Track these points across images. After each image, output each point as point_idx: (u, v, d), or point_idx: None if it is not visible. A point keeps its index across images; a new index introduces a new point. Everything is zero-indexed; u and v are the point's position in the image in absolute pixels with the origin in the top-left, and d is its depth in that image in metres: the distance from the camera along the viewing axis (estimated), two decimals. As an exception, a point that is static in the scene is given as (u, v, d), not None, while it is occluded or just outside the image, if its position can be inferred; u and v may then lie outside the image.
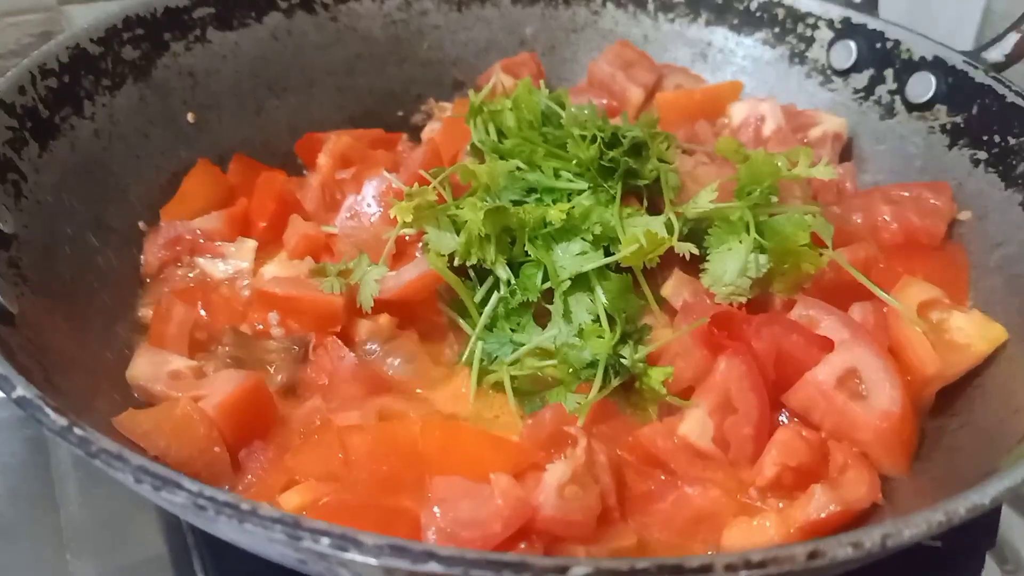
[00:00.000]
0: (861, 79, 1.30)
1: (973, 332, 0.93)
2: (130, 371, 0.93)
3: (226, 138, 1.28)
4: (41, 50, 1.08)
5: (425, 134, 1.35)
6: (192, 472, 0.83)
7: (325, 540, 0.56)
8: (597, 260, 0.98)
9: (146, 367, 0.94)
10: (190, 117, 1.24)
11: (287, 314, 1.01)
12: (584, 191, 1.04)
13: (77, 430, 0.63)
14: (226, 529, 0.60)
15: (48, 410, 0.64)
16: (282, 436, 0.90)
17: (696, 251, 0.96)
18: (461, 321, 1.03)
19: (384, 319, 1.03)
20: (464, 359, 1.01)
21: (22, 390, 0.65)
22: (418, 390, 0.99)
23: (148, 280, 1.10)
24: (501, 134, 1.14)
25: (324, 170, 1.19)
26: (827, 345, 0.90)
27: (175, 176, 1.20)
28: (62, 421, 0.64)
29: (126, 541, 1.03)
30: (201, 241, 1.10)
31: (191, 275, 1.10)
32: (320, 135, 1.29)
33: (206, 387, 0.91)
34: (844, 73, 1.32)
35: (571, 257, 1.00)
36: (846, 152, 1.29)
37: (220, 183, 1.22)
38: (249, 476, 0.86)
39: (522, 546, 0.76)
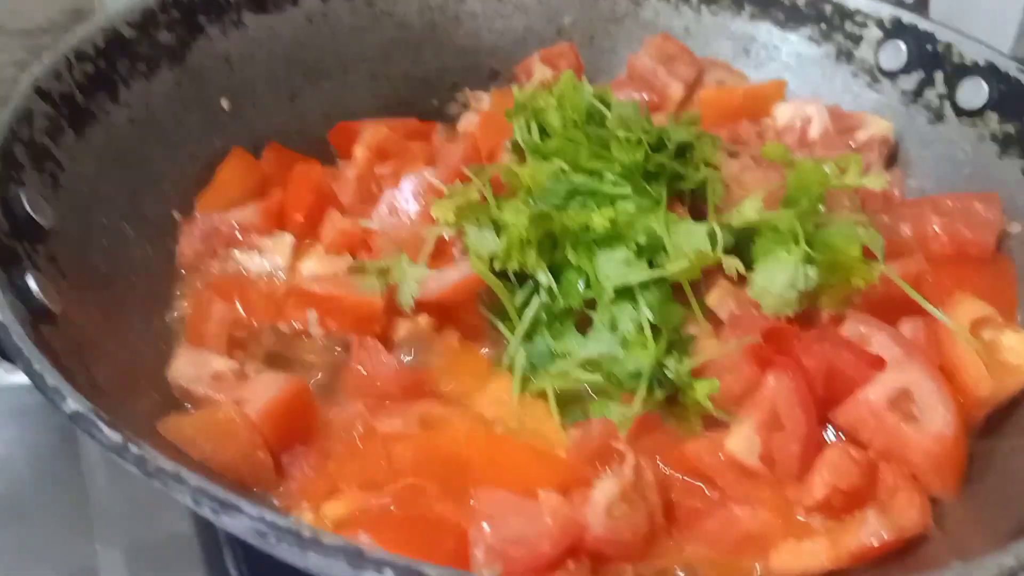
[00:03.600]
0: (910, 81, 1.27)
1: None
2: (171, 372, 0.92)
3: (260, 125, 1.26)
4: (77, 34, 1.06)
5: (462, 126, 1.33)
6: (236, 477, 0.83)
7: (388, 571, 0.55)
8: (643, 273, 0.96)
9: (187, 368, 0.93)
10: (225, 104, 1.22)
11: (326, 313, 0.99)
12: (628, 196, 1.02)
13: (133, 447, 0.62)
14: (287, 555, 0.59)
15: (103, 425, 0.63)
16: (324, 441, 0.89)
17: (743, 269, 0.95)
18: (500, 325, 1.02)
19: (423, 320, 1.01)
20: (505, 364, 1.00)
21: (74, 404, 0.64)
22: (458, 393, 0.98)
23: (183, 271, 1.08)
24: (543, 132, 1.12)
25: (361, 162, 1.17)
26: (879, 363, 0.88)
27: (209, 164, 1.18)
28: (117, 438, 0.62)
29: (154, 526, 1.03)
30: (237, 234, 1.08)
31: (227, 268, 1.08)
32: (354, 124, 1.27)
33: (248, 390, 0.90)
34: (892, 74, 1.29)
35: (615, 265, 0.98)
36: (892, 156, 1.27)
37: (255, 172, 1.20)
38: (292, 482, 0.85)
39: (570, 565, 0.75)
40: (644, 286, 0.97)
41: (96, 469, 1.10)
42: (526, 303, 1.01)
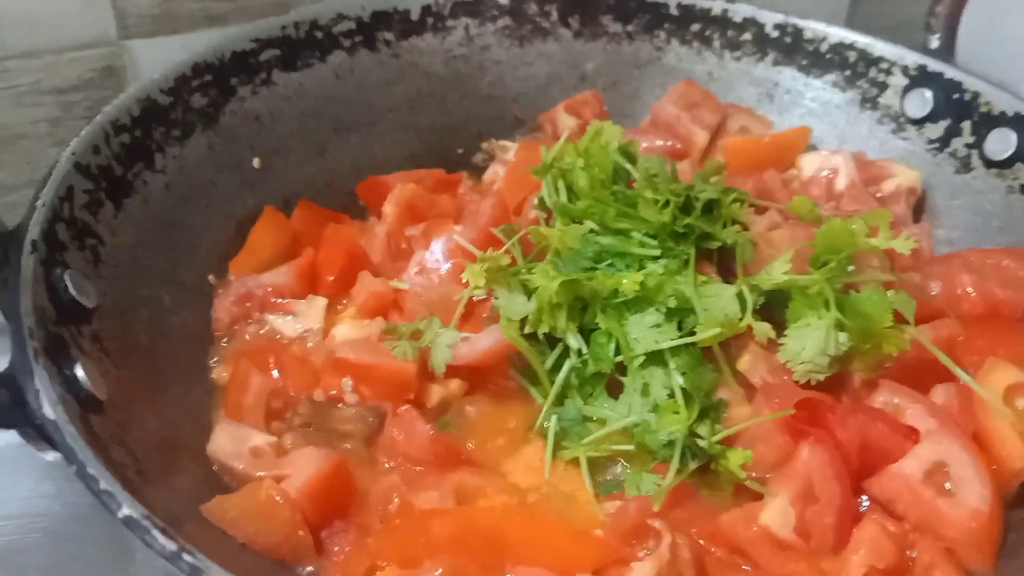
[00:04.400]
0: (936, 130, 1.27)
1: None
2: (210, 447, 0.94)
3: (290, 181, 1.27)
4: (113, 105, 1.08)
5: (488, 176, 1.34)
6: (278, 556, 0.84)
7: None
8: (674, 337, 0.97)
9: (226, 443, 0.94)
10: (256, 162, 1.24)
11: (360, 380, 1.01)
12: (656, 256, 1.02)
13: (187, 557, 0.63)
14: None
15: (156, 533, 0.65)
16: (361, 515, 0.90)
17: (774, 335, 0.95)
18: (532, 389, 1.03)
19: (455, 384, 1.03)
20: (536, 429, 1.01)
21: (128, 509, 0.66)
22: (492, 460, 0.99)
23: (219, 336, 1.10)
24: (570, 190, 1.13)
25: (391, 221, 1.19)
26: (913, 435, 0.88)
27: (242, 224, 1.20)
28: (172, 546, 0.64)
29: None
30: (272, 299, 1.10)
31: (262, 332, 1.10)
32: (383, 179, 1.28)
33: (288, 466, 0.91)
34: (919, 122, 1.29)
35: (645, 329, 0.99)
36: (920, 206, 1.27)
37: (287, 231, 1.22)
38: (331, 558, 0.87)
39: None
40: (675, 351, 0.98)
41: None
42: (557, 366, 1.02)
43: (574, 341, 1.01)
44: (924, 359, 0.96)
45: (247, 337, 1.09)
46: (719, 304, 0.99)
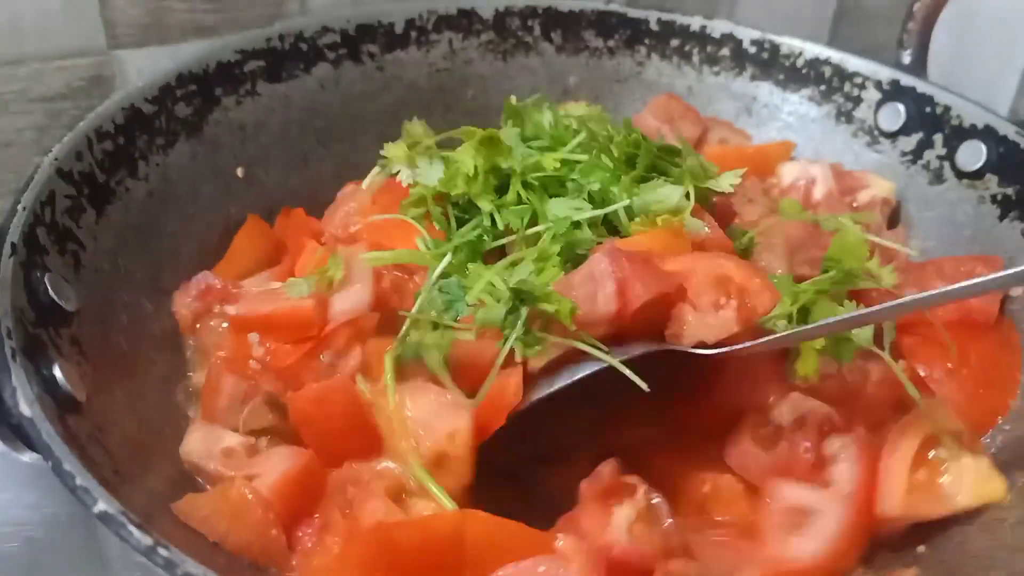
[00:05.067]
0: (909, 142, 1.30)
1: (967, 482, 0.90)
2: (183, 448, 0.94)
3: (274, 190, 1.29)
4: (96, 112, 1.09)
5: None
6: (250, 556, 0.85)
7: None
8: (589, 211, 0.96)
9: (199, 443, 0.94)
10: (239, 171, 1.25)
11: (264, 332, 1.00)
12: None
13: (162, 551, 0.64)
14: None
15: (132, 528, 0.65)
16: (324, 509, 0.90)
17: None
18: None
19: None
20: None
21: (104, 504, 0.66)
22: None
23: (185, 335, 1.09)
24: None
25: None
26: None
27: (225, 233, 1.21)
28: (147, 540, 0.64)
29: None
30: (232, 289, 1.08)
31: (224, 326, 1.08)
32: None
33: (259, 466, 0.91)
34: (892, 135, 1.31)
35: (563, 207, 0.97)
36: (893, 216, 1.29)
37: (269, 239, 1.23)
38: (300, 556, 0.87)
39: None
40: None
41: (113, 536, 1.11)
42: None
43: (486, 204, 0.99)
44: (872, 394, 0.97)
45: (211, 331, 1.07)
46: (654, 198, 0.98)
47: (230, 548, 0.83)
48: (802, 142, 1.38)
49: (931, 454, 0.91)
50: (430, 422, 0.88)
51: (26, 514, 1.14)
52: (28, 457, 0.77)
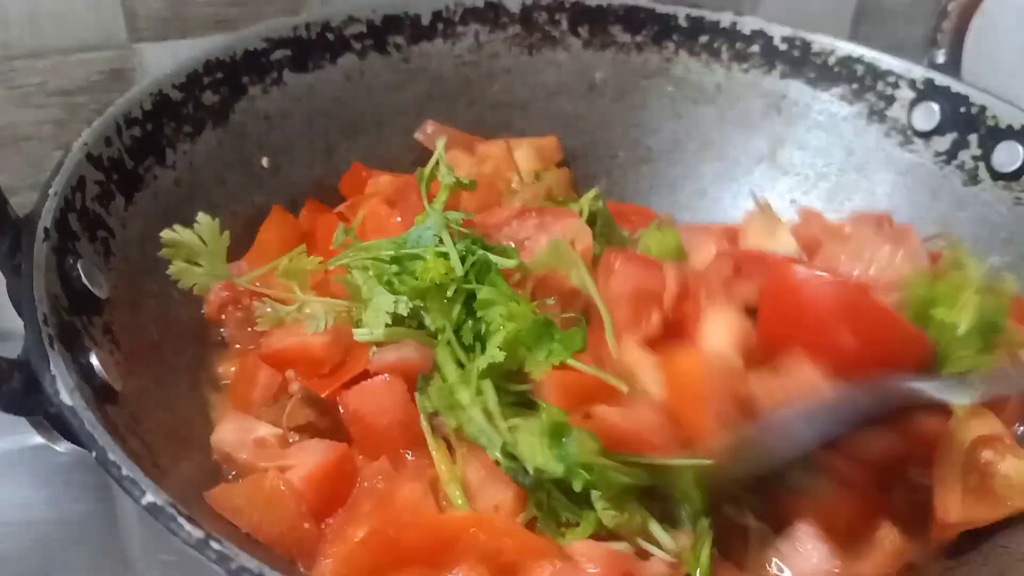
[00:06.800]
0: (944, 142, 1.28)
1: (1018, 483, 0.89)
2: (215, 436, 0.93)
3: (298, 181, 1.27)
4: (125, 98, 1.07)
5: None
6: (283, 548, 0.83)
7: None
8: None
9: (231, 433, 0.93)
10: (264, 162, 1.23)
11: (290, 366, 0.98)
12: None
13: (215, 544, 0.62)
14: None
15: (182, 520, 0.63)
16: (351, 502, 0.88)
17: None
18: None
19: None
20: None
21: (152, 496, 0.64)
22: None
23: (211, 323, 1.07)
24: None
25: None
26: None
27: (249, 222, 1.19)
28: (199, 533, 0.62)
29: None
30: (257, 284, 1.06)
31: (249, 318, 1.05)
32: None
33: (292, 457, 0.90)
34: (926, 135, 1.30)
35: None
36: (927, 214, 1.27)
37: (294, 230, 1.21)
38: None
39: None
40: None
41: (132, 532, 1.10)
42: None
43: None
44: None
45: (235, 321, 1.06)
46: None
47: (262, 539, 0.82)
48: (832, 142, 1.36)
49: (981, 458, 0.89)
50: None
51: (41, 512, 1.13)
52: (62, 447, 0.75)
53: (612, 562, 0.78)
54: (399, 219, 1.12)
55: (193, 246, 0.98)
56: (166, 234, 0.97)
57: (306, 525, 0.84)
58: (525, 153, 1.34)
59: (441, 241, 0.94)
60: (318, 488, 0.86)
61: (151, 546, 1.09)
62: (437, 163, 1.08)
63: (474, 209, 1.10)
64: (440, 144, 1.12)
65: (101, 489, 1.14)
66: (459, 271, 0.90)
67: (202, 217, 0.99)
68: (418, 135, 1.37)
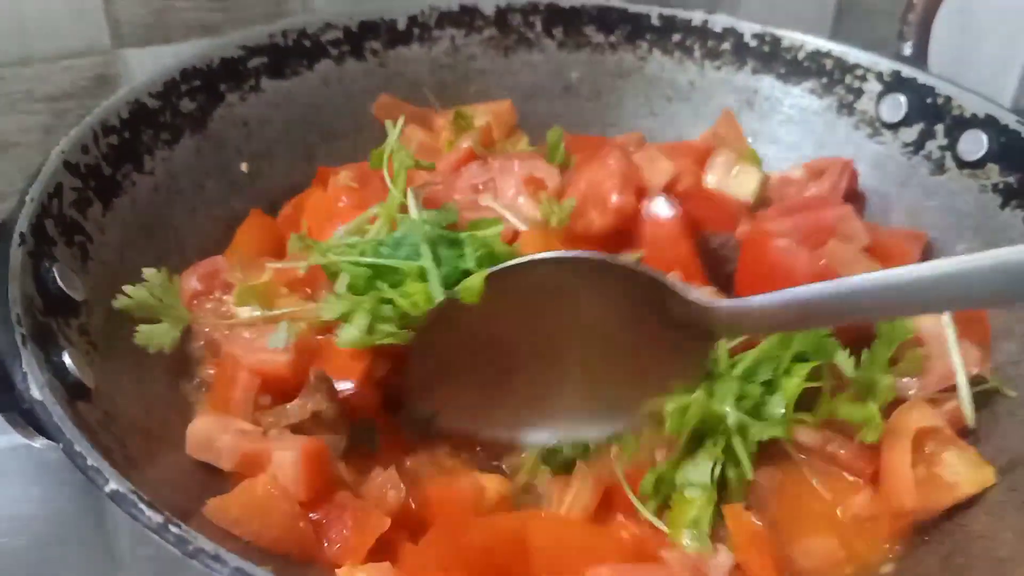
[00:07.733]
0: (911, 133, 1.30)
1: (962, 471, 0.91)
2: (191, 427, 0.93)
3: (277, 185, 1.29)
4: (102, 106, 1.09)
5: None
6: (284, 551, 0.84)
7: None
8: None
9: (208, 424, 0.93)
10: (243, 167, 1.26)
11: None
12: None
13: (173, 528, 0.64)
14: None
15: (143, 506, 0.65)
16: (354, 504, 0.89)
17: None
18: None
19: None
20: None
21: (115, 484, 0.66)
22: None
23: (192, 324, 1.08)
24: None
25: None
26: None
27: (229, 227, 1.21)
28: (158, 518, 0.65)
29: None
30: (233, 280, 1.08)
31: (220, 310, 1.07)
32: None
33: (272, 444, 0.90)
34: (893, 126, 1.32)
35: None
36: (896, 204, 1.29)
37: (272, 232, 1.23)
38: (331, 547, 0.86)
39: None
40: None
41: (120, 529, 1.12)
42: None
43: None
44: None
45: (206, 311, 1.07)
46: None
47: (263, 545, 0.83)
48: (804, 134, 1.38)
49: (925, 450, 0.92)
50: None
51: (33, 508, 1.14)
52: (39, 443, 0.77)
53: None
54: (344, 201, 1.14)
55: (148, 305, 0.96)
56: (119, 302, 0.94)
57: (302, 525, 0.85)
58: (482, 119, 1.35)
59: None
60: (307, 486, 0.87)
61: (139, 542, 1.10)
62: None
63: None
64: (395, 129, 1.14)
65: (91, 487, 1.17)
66: (439, 295, 0.92)
67: (148, 272, 0.97)
68: (374, 109, 1.37)
